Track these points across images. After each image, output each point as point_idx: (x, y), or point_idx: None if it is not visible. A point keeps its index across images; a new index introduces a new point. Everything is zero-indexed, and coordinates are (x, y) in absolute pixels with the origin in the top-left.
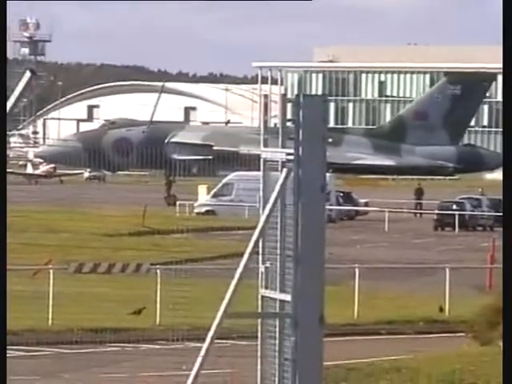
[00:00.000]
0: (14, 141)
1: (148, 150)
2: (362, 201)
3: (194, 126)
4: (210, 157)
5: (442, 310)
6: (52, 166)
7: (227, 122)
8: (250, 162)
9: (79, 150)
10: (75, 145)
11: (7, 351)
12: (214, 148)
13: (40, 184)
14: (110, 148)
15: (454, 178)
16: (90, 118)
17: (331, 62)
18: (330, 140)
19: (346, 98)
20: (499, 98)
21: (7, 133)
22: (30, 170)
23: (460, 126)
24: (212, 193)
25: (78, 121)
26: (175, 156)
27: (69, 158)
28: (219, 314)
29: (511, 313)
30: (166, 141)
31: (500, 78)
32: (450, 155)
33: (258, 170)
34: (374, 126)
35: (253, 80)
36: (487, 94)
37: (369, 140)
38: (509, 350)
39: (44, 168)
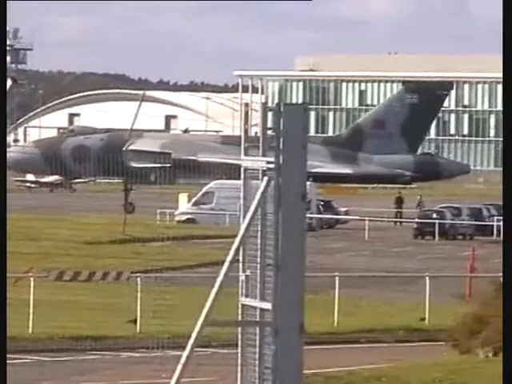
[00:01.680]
0: None
1: (106, 157)
2: (343, 209)
3: (152, 134)
4: (168, 165)
5: (423, 319)
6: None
7: (185, 131)
8: (210, 170)
9: (38, 156)
10: (34, 152)
11: None
12: (173, 156)
13: (23, 192)
14: (68, 155)
15: (412, 186)
16: (70, 125)
17: (312, 70)
18: None
19: (326, 106)
20: (479, 107)
21: None
22: (31, 177)
23: (418, 135)
24: (192, 201)
25: (59, 129)
26: (133, 164)
27: (29, 165)
28: (199, 322)
29: (511, 313)
30: (123, 148)
31: (479, 86)
32: (407, 164)
33: (216, 177)
34: (332, 135)
35: (234, 88)
36: (466, 103)
37: (326, 148)
38: (508, 351)
39: (53, 176)
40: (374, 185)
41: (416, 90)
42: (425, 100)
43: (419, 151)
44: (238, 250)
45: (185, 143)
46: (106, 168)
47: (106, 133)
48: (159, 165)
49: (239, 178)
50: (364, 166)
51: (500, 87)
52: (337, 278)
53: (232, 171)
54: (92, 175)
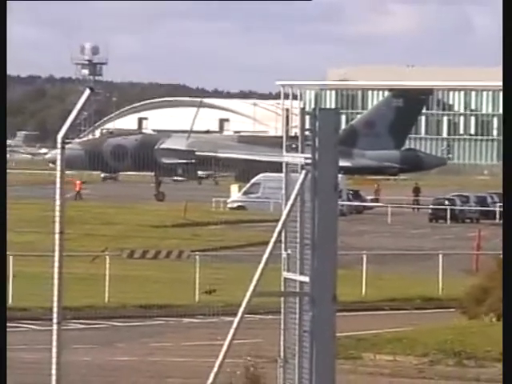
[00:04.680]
0: None
1: (140, 154)
2: (369, 198)
3: (179, 134)
4: (193, 160)
5: (443, 289)
6: None
7: (207, 131)
8: (229, 164)
9: (82, 155)
10: (79, 151)
11: (70, 323)
12: (197, 153)
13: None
14: (108, 153)
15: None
16: (139, 128)
17: (343, 80)
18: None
19: (355, 111)
20: (484, 110)
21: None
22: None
23: (403, 133)
24: (243, 191)
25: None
26: (163, 160)
27: (74, 162)
28: (248, 293)
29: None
30: (155, 147)
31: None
32: (394, 158)
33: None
34: None
35: (276, 96)
36: (473, 107)
37: None
38: (509, 346)
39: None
40: (396, 177)
41: (401, 95)
42: (408, 104)
43: (404, 147)
44: (280, 232)
45: (206, 142)
46: (140, 164)
47: (139, 134)
48: (185, 160)
49: (255, 170)
50: (358, 160)
51: (501, 94)
52: (364, 256)
53: (248, 164)
54: (128, 170)
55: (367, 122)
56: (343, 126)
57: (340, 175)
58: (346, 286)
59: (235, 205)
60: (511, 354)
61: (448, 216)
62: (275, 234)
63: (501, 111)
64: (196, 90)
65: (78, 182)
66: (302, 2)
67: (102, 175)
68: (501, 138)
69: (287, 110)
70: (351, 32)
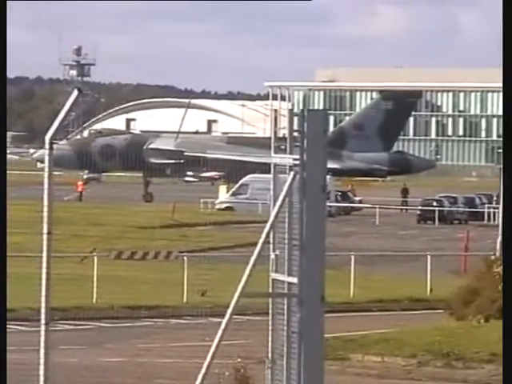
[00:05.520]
0: None
1: (129, 154)
2: (357, 199)
3: (167, 135)
4: (182, 160)
5: (431, 290)
6: None
7: (196, 132)
8: (216, 164)
9: (71, 154)
10: (67, 150)
11: (58, 324)
12: (185, 153)
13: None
14: (96, 153)
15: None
16: (127, 129)
17: (331, 82)
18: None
19: (343, 112)
20: (472, 111)
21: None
22: None
23: (392, 136)
24: (231, 192)
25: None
26: (152, 160)
27: (62, 162)
28: (236, 293)
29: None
30: (144, 147)
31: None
32: (383, 160)
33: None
34: None
35: (265, 97)
36: (462, 109)
37: None
38: (509, 346)
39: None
40: (385, 178)
41: (390, 98)
42: (398, 106)
43: (393, 150)
44: (268, 233)
45: (194, 143)
46: (128, 164)
47: (128, 134)
48: (174, 161)
49: (243, 171)
50: (347, 161)
51: (489, 95)
52: (352, 257)
53: (236, 165)
54: (117, 170)
55: (356, 124)
56: (331, 127)
57: (328, 176)
58: (334, 287)
59: (223, 206)
60: (511, 353)
61: (436, 217)
62: (263, 235)
63: (489, 112)
64: (184, 91)
65: (79, 183)
66: (290, 2)
67: (85, 176)
68: (489, 139)
69: (275, 111)
70: (339, 33)
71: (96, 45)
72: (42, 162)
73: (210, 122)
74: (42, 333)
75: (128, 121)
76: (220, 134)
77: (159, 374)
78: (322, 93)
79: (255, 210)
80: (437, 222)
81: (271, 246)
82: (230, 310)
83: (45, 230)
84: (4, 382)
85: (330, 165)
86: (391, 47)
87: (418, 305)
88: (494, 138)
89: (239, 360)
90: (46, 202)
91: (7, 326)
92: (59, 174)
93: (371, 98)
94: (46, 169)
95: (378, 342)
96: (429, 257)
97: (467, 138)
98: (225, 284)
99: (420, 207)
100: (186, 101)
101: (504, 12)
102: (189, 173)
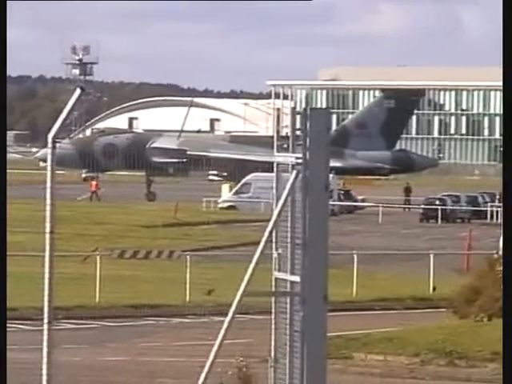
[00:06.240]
0: None
1: (131, 153)
2: (360, 197)
3: (170, 134)
4: (185, 159)
5: (435, 289)
6: None
7: (198, 131)
8: (220, 163)
9: (73, 153)
10: (70, 149)
11: (61, 323)
12: (188, 152)
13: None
14: (99, 152)
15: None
16: (130, 128)
17: (333, 80)
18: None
19: (346, 110)
20: (475, 110)
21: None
22: None
23: (394, 134)
24: (233, 191)
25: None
26: (154, 159)
27: (64, 161)
28: (239, 292)
29: (511, 312)
30: (146, 146)
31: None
32: (385, 158)
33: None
34: None
35: (267, 96)
36: (464, 107)
37: None
38: (509, 346)
39: None
40: (387, 177)
41: (393, 97)
42: (400, 105)
43: (395, 148)
44: (271, 231)
45: (197, 142)
46: (131, 162)
47: (131, 133)
48: (176, 160)
49: (246, 170)
50: (350, 160)
51: (492, 94)
52: (355, 255)
53: (239, 163)
54: (119, 169)
55: (359, 123)
56: (334, 125)
57: (331, 175)
58: (337, 285)
59: (226, 205)
60: (511, 353)
61: (439, 216)
62: (266, 234)
63: (492, 111)
64: (187, 89)
65: (93, 182)
66: (292, 2)
67: (83, 175)
68: (492, 137)
69: (278, 109)
70: (342, 32)
71: (98, 44)
72: (45, 161)
73: (212, 121)
74: (45, 332)
75: (130, 120)
76: (223, 133)
77: (162, 372)
78: (324, 91)
79: (258, 208)
80: (440, 220)
81: (274, 244)
82: (232, 309)
83: (47, 229)
84: (4, 382)
85: (333, 163)
86: (394, 46)
87: (420, 303)
88: (497, 136)
89: (242, 359)
90: (48, 201)
91: (11, 325)
92: (62, 173)
93: (374, 97)
94: (49, 168)
95: (381, 340)
96: (432, 255)
97: (470, 137)
98: (228, 283)
99: (423, 206)
100: (189, 99)
101: (504, 11)
102: (212, 172)
